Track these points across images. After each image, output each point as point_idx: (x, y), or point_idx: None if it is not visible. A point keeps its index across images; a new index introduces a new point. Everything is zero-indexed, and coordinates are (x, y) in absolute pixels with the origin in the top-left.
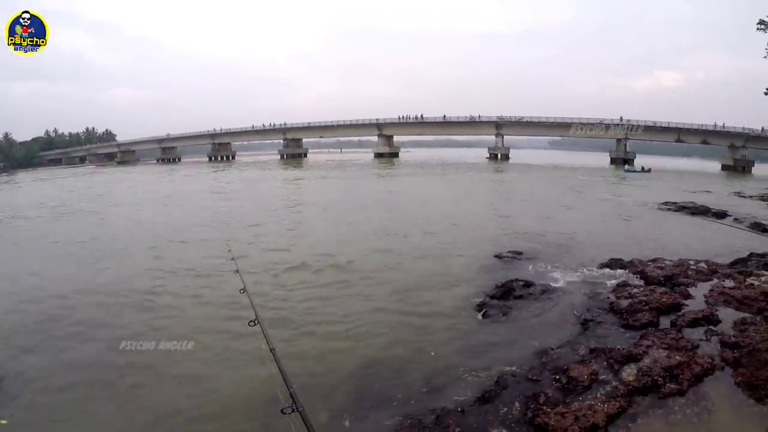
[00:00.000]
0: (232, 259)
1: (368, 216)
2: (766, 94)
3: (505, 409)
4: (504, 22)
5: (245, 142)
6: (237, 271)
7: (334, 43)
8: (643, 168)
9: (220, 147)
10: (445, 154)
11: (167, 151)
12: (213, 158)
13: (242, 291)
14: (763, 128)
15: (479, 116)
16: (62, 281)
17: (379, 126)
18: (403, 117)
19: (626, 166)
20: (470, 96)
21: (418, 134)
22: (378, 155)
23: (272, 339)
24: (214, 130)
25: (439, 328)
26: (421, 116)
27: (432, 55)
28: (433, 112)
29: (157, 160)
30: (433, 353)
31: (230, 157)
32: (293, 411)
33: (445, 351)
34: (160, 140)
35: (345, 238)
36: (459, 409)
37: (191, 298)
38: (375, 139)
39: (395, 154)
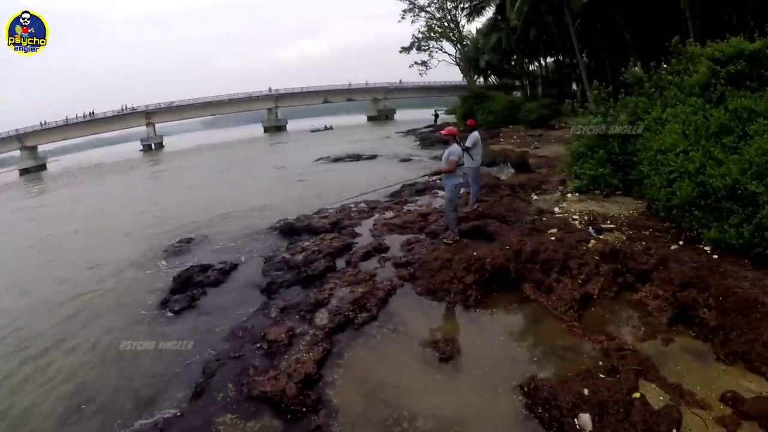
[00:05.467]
0: None
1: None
2: (400, 51)
3: (221, 394)
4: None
5: None
6: None
7: None
8: (326, 126)
9: None
10: (98, 154)
11: None
12: None
13: None
14: (400, 80)
15: (126, 107)
16: None
17: (20, 137)
18: (44, 123)
19: (312, 128)
20: (121, 88)
21: (64, 138)
22: (24, 171)
23: None
24: None
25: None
26: (66, 118)
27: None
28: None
29: None
30: (128, 368)
31: None
32: None
33: (143, 360)
34: None
35: None
36: (178, 414)
37: None
38: (17, 153)
39: (43, 166)
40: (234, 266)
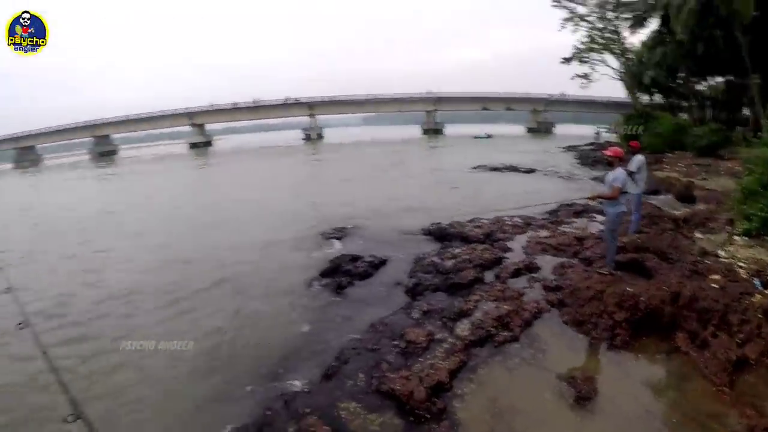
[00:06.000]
0: None
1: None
2: (561, 62)
3: (351, 381)
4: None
5: None
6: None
7: None
8: (487, 134)
9: None
10: (260, 138)
11: None
12: None
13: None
14: (561, 93)
15: (290, 98)
16: None
17: (190, 115)
18: (213, 104)
19: (475, 135)
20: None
21: (230, 120)
22: (193, 145)
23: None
24: None
25: (275, 311)
26: (234, 102)
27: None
28: (240, 98)
29: None
30: (267, 339)
31: None
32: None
33: (282, 333)
34: None
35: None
36: (306, 390)
37: None
38: (187, 129)
39: (209, 143)
40: (383, 262)
